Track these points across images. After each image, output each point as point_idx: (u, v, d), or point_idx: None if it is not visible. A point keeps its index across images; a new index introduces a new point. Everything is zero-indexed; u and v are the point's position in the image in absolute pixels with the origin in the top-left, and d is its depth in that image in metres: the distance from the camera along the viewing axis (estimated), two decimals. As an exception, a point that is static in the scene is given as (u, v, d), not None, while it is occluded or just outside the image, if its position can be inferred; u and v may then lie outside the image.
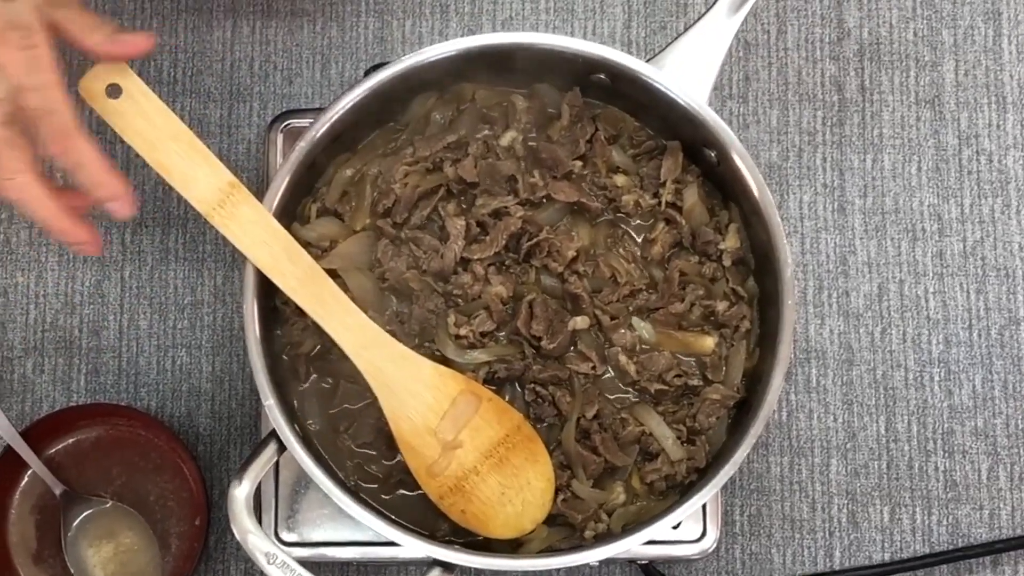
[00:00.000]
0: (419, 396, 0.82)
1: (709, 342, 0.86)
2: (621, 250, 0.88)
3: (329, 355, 0.86)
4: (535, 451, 0.84)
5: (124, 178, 0.76)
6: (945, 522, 0.96)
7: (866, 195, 0.99)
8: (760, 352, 0.86)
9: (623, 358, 0.86)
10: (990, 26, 1.02)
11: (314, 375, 0.86)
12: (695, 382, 0.86)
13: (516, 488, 0.83)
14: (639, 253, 0.88)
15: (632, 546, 0.81)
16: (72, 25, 0.75)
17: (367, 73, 0.86)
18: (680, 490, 0.85)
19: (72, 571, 0.91)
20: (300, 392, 0.86)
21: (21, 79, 0.72)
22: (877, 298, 0.98)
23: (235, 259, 0.98)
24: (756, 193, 0.85)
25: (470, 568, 0.92)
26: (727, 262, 0.87)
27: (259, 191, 0.82)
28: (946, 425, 0.97)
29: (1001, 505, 0.96)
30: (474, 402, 0.83)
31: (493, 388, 0.85)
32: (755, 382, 0.85)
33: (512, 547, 0.84)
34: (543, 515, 0.83)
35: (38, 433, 0.92)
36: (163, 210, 0.99)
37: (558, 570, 0.95)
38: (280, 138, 0.94)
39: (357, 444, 0.85)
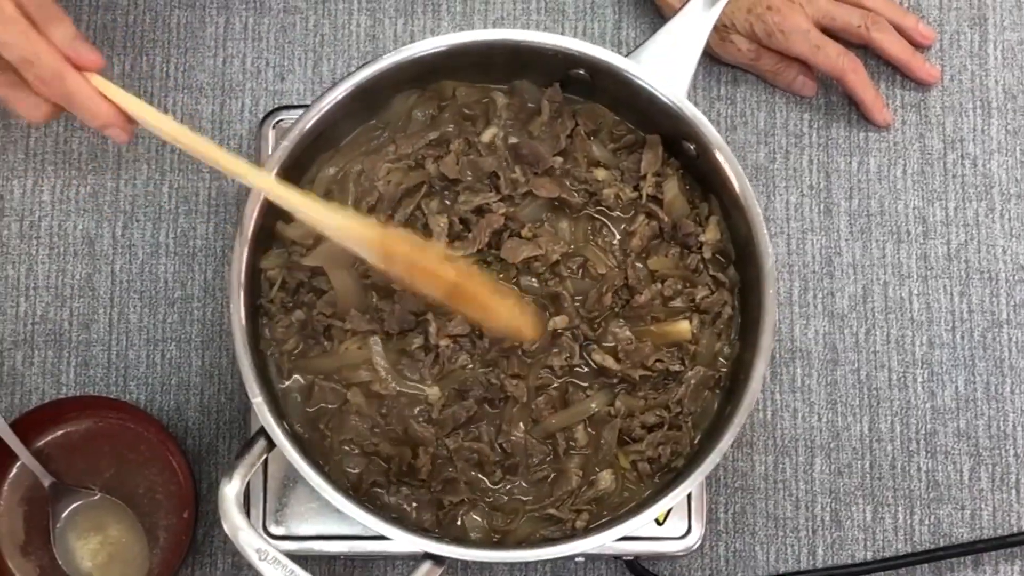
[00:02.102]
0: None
1: (685, 325, 0.87)
2: (600, 242, 0.89)
3: (310, 353, 0.86)
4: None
5: (116, 106, 0.77)
6: (927, 522, 0.96)
7: (852, 197, 1.00)
8: (742, 343, 0.87)
9: (601, 356, 0.86)
10: (976, 31, 1.02)
11: (295, 374, 0.87)
12: (676, 367, 0.86)
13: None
14: (618, 246, 0.89)
15: (617, 536, 0.81)
16: (33, 9, 0.75)
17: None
18: (665, 475, 0.86)
19: (60, 563, 0.91)
20: (283, 389, 0.86)
21: None
22: (862, 299, 0.99)
23: (225, 254, 0.98)
24: (736, 185, 0.85)
25: (456, 564, 0.93)
26: (707, 254, 0.88)
27: (248, 189, 0.82)
28: (929, 426, 0.97)
29: (982, 506, 0.97)
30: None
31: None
32: (738, 372, 0.86)
33: (496, 537, 0.85)
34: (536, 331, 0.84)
35: (27, 425, 0.92)
36: (154, 204, 0.99)
37: (545, 565, 0.95)
38: (272, 134, 0.94)
39: (338, 441, 0.85)
